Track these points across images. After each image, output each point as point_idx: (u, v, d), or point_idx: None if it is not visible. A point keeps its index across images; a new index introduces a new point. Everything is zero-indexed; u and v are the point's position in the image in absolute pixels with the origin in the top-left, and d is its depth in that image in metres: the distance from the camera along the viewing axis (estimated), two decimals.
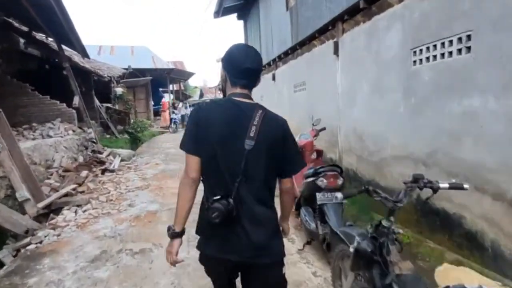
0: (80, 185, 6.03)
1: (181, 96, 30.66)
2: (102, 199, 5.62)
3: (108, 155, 8.91)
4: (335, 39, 5.88)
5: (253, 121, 1.50)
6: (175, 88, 29.80)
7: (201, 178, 1.59)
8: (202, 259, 1.72)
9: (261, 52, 11.42)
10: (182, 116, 21.50)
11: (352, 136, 5.39)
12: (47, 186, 5.65)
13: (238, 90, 1.59)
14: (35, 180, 5.15)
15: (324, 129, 5.13)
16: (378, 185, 4.63)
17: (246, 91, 1.61)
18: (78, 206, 5.25)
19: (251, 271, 1.62)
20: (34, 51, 10.58)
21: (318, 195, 3.28)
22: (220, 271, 1.68)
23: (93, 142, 9.51)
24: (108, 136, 13.22)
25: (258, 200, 1.53)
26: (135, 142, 13.82)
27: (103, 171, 7.60)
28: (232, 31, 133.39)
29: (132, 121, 14.61)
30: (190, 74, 27.60)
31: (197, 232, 1.68)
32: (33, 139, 7.21)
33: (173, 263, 1.66)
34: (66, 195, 5.39)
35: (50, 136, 7.46)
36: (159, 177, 7.42)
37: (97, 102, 13.48)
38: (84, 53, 9.31)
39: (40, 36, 10.48)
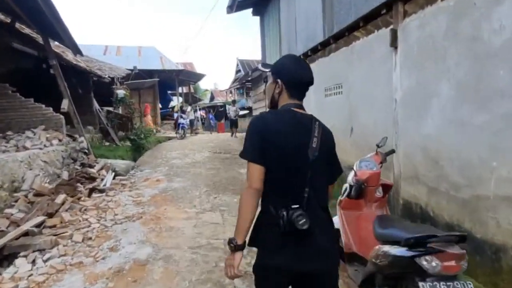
0: (52, 215, 4.62)
1: (191, 99, 29.34)
2: (77, 237, 4.18)
3: (101, 169, 7.52)
4: (391, 27, 4.37)
5: (314, 133, 1.59)
6: (184, 91, 28.51)
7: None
8: (263, 271, 1.60)
9: (281, 52, 9.99)
10: (191, 121, 20.12)
11: (420, 158, 3.86)
12: (4, 218, 4.25)
13: (295, 101, 1.67)
14: None
15: (393, 152, 3.61)
16: (471, 234, 3.10)
17: (301, 102, 1.70)
18: (40, 251, 3.82)
19: (312, 281, 1.57)
20: (28, 48, 9.30)
21: (422, 285, 1.79)
22: (281, 282, 1.59)
23: (85, 153, 8.14)
24: (107, 143, 11.88)
25: (322, 208, 1.60)
26: (138, 150, 12.43)
27: (91, 191, 6.20)
28: (245, 31, 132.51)
29: (137, 125, 13.25)
30: (200, 76, 26.28)
31: (253, 244, 1.62)
32: (3, 151, 5.85)
33: (234, 277, 1.57)
34: (26, 233, 3.97)
35: (26, 148, 6.10)
36: (157, 201, 5.97)
37: (96, 105, 12.17)
38: (75, 49, 7.97)
39: (30, 31, 9.20)
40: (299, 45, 7.99)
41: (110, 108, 12.92)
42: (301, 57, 7.96)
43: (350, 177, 2.96)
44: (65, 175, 6.56)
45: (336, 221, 3.07)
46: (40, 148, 6.24)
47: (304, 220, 1.42)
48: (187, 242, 4.19)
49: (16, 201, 4.74)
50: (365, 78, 5.09)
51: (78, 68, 10.11)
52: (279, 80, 1.65)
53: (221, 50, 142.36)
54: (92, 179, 6.97)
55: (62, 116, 7.76)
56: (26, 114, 7.58)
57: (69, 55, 9.67)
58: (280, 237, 1.49)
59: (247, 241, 1.58)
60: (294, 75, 1.64)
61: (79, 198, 5.58)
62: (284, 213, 1.46)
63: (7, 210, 4.45)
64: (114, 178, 7.41)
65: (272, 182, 1.54)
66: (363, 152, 5.12)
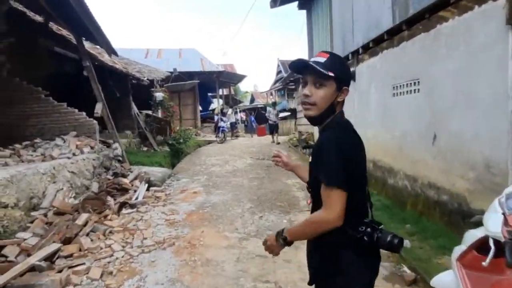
0: (70, 241, 3.90)
1: (231, 101, 28.80)
2: (94, 272, 3.40)
3: (135, 178, 6.85)
4: None
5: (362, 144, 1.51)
6: (224, 93, 28.02)
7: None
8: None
9: (332, 46, 8.87)
10: (232, 124, 19.40)
11: None
12: (14, 245, 3.57)
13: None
14: None
15: None
16: None
17: None
18: None
19: None
20: (69, 52, 8.95)
21: None
22: None
23: (119, 160, 7.54)
24: (145, 148, 11.37)
25: None
26: (176, 155, 11.83)
27: (121, 206, 5.50)
28: (286, 31, 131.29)
29: (177, 128, 12.67)
30: (241, 77, 25.59)
31: (332, 277, 1.45)
32: (29, 161, 5.29)
33: (277, 254, 1.60)
34: (33, 268, 3.23)
35: (53, 157, 5.52)
36: (193, 220, 5.12)
37: (135, 109, 11.73)
38: (109, 50, 7.40)
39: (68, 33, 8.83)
40: (357, 36, 6.83)
41: (149, 112, 12.45)
42: (360, 50, 6.82)
43: (494, 225, 1.84)
44: (94, 186, 5.93)
45: (445, 279, 2.01)
46: (68, 157, 5.63)
47: (398, 239, 1.39)
48: (228, 285, 3.26)
49: (32, 222, 4.07)
50: (458, 70, 3.89)
51: (115, 71, 9.65)
52: (347, 88, 1.48)
53: (261, 51, 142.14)
54: (124, 190, 6.30)
55: (95, 121, 7.21)
56: (58, 120, 7.11)
57: (105, 57, 9.21)
58: (364, 254, 1.42)
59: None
60: (350, 81, 1.57)
61: (105, 216, 4.85)
62: (368, 229, 1.39)
63: (20, 234, 3.78)
64: (148, 190, 6.71)
65: (354, 202, 1.38)
66: (454, 168, 3.92)
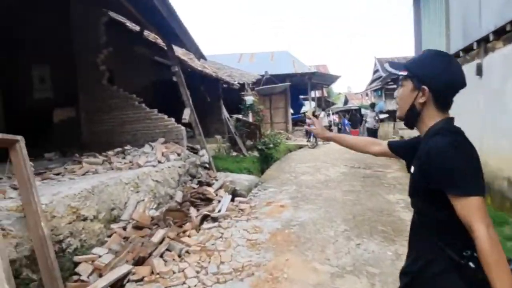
0: (143, 261, 3.58)
1: (324, 103, 27.61)
2: None
3: (220, 187, 6.52)
4: None
5: None
6: (317, 95, 27.00)
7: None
8: None
9: (448, 35, 7.35)
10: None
11: None
12: (88, 263, 3.37)
13: (448, 115, 1.37)
14: (50, 263, 2.86)
15: None
16: None
17: None
18: None
19: None
20: (167, 60, 9.27)
21: None
22: None
23: (205, 167, 7.33)
24: (234, 153, 11.20)
25: None
26: (266, 160, 11.42)
27: (203, 219, 5.15)
28: (383, 30, 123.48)
29: (267, 132, 12.28)
30: (334, 78, 24.28)
31: None
32: (118, 169, 5.28)
33: None
34: None
35: (139, 165, 5.44)
36: (278, 242, 4.45)
37: (225, 113, 11.68)
38: (198, 54, 7.25)
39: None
40: (486, 18, 5.37)
41: (239, 116, 12.30)
42: (491, 36, 5.35)
43: None
44: (178, 196, 5.72)
45: None
46: (153, 165, 5.51)
47: None
48: None
49: (110, 236, 3.90)
50: None
51: (206, 75, 9.62)
52: (425, 88, 1.33)
53: (356, 50, 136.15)
54: (208, 200, 5.98)
55: (182, 127, 7.11)
56: (150, 126, 7.20)
57: (196, 62, 9.23)
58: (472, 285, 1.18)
59: None
60: (450, 80, 1.32)
61: (184, 232, 4.51)
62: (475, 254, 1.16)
63: (96, 250, 3.60)
64: (233, 200, 6.30)
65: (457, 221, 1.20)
66: None
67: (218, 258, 3.92)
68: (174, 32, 6.34)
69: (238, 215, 5.58)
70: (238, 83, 12.16)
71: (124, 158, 5.82)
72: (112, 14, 7.51)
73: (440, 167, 1.21)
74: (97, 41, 7.18)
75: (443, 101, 1.34)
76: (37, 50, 7.78)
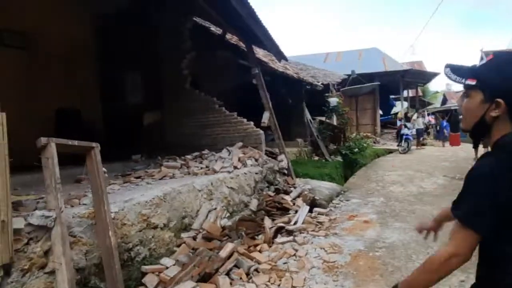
0: (209, 277, 3.37)
1: (418, 103, 25.14)
2: None
3: (298, 196, 6.12)
4: None
5: None
6: (410, 94, 24.71)
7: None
8: None
9: None
10: (418, 131, 16.51)
11: None
12: (154, 274, 3.28)
13: None
14: (114, 274, 2.80)
15: None
16: None
17: None
18: None
19: None
20: (243, 61, 9.24)
21: None
22: None
23: (284, 173, 6.99)
24: (316, 158, 10.66)
25: None
26: (350, 166, 10.66)
27: (277, 232, 4.80)
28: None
29: (352, 135, 11.46)
30: (430, 76, 21.86)
31: None
32: (194, 174, 5.25)
33: None
34: None
35: (215, 171, 5.33)
36: (359, 269, 3.87)
37: (307, 115, 11.20)
38: (279, 55, 6.96)
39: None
40: None
41: (322, 118, 11.69)
42: None
43: None
44: (253, 204, 5.47)
45: None
46: (229, 171, 5.36)
47: None
48: None
49: (179, 246, 3.79)
50: None
51: (286, 77, 9.29)
52: (501, 101, 1.14)
53: (458, 43, 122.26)
54: (285, 210, 5.64)
55: (261, 132, 6.87)
56: (229, 130, 7.13)
57: (277, 64, 8.95)
58: None
59: None
60: None
61: (255, 246, 4.21)
62: None
63: (164, 261, 3.50)
64: (311, 211, 5.84)
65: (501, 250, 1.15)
66: None
67: (289, 281, 3.52)
68: (254, 33, 6.15)
69: (316, 229, 5.10)
70: (322, 84, 11.56)
71: (201, 162, 5.79)
72: (196, 19, 7.64)
73: (463, 187, 1.20)
74: (181, 47, 7.37)
75: None
76: (130, 57, 8.34)
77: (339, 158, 10.90)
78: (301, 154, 9.74)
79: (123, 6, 7.63)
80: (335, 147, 11.44)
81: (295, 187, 6.52)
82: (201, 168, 5.52)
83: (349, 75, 15.30)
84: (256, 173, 6.06)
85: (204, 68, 8.12)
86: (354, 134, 12.43)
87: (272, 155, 7.27)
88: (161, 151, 7.55)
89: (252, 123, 6.97)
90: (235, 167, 5.65)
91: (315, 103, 11.50)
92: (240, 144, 6.63)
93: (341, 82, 13.51)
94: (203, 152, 6.14)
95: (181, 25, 7.36)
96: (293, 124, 11.08)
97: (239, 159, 5.86)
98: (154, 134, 8.05)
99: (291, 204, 5.82)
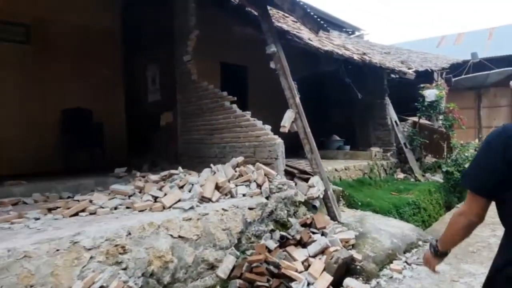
0: None
1: None
2: None
3: (322, 252, 3.60)
4: None
5: None
6: None
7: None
8: None
9: None
10: None
11: None
12: None
13: None
14: None
15: None
16: None
17: None
18: None
19: None
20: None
21: None
22: None
23: (314, 206, 4.47)
24: (401, 175, 7.55)
25: None
26: (454, 191, 7.27)
27: None
28: None
29: (458, 146, 7.91)
30: None
31: None
32: (134, 209, 3.29)
33: (433, 269, 1.64)
34: None
35: (164, 207, 3.26)
36: None
37: (392, 115, 8.11)
38: (314, 24, 4.44)
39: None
40: None
41: (414, 118, 8.37)
42: None
43: None
44: (225, 265, 3.22)
45: None
46: (185, 209, 3.22)
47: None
48: None
49: None
50: None
51: (350, 61, 6.51)
52: None
53: None
54: (287, 279, 3.22)
55: (278, 141, 4.46)
56: (239, 136, 4.94)
57: (335, 42, 6.26)
58: None
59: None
60: None
61: None
62: (504, 264, 1.25)
63: None
64: (339, 285, 3.27)
65: (507, 218, 1.26)
66: None
67: None
68: None
69: None
70: (416, 70, 8.25)
71: (161, 188, 3.76)
72: None
73: None
74: (187, 25, 5.53)
75: None
76: (149, 48, 6.91)
77: (439, 177, 7.55)
78: (372, 171, 6.84)
79: None
80: (434, 160, 8.04)
81: (324, 232, 3.96)
82: (151, 198, 3.51)
83: (467, 61, 11.15)
84: (252, 208, 3.76)
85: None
86: (468, 142, 8.64)
87: (303, 177, 4.80)
88: (167, 161, 5.90)
89: (267, 127, 4.63)
90: (204, 200, 3.48)
91: (405, 97, 8.26)
92: (239, 159, 4.37)
93: (448, 68, 9.75)
94: (173, 172, 4.09)
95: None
96: (367, 128, 8.16)
97: (217, 187, 3.65)
98: (165, 139, 6.43)
99: (300, 269, 3.35)
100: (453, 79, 10.44)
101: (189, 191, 3.58)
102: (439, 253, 1.52)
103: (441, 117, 8.04)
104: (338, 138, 8.21)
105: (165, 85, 6.60)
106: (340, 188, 5.40)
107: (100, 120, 6.78)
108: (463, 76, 10.67)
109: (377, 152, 7.35)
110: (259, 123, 4.70)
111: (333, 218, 4.62)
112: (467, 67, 11.10)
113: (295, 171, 4.81)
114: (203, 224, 3.32)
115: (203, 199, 3.53)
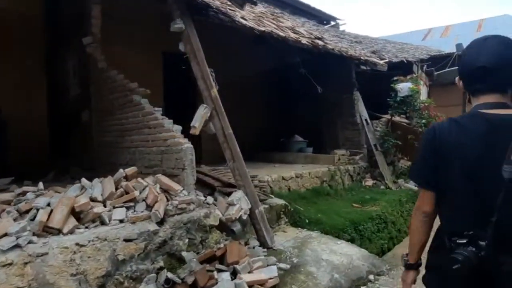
0: None
1: None
2: None
3: None
4: None
5: None
6: None
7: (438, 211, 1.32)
8: None
9: None
10: None
11: None
12: None
13: (483, 100, 1.23)
14: None
15: None
16: None
17: (497, 98, 1.21)
18: None
19: None
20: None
21: None
22: None
23: (232, 231, 3.44)
24: (370, 182, 6.55)
25: None
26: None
27: None
28: None
29: None
30: None
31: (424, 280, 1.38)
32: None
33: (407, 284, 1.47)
34: None
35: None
36: None
37: (362, 113, 7.10)
38: None
39: None
40: None
41: (386, 116, 7.37)
42: None
43: None
44: None
45: None
46: (1, 250, 2.19)
47: (459, 265, 1.09)
48: None
49: None
50: None
51: (301, 46, 5.46)
52: (460, 81, 1.32)
53: None
54: None
55: (186, 146, 3.40)
56: (148, 139, 3.89)
57: (285, 23, 5.22)
58: (445, 279, 1.23)
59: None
60: (464, 62, 1.29)
61: None
62: (450, 247, 1.17)
63: None
64: None
65: (445, 205, 1.27)
66: None
67: None
68: None
69: None
70: (390, 61, 7.26)
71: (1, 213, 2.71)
72: None
73: None
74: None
75: (470, 87, 1.29)
76: (69, 36, 5.82)
77: (414, 184, 6.55)
78: (333, 178, 5.82)
79: None
80: (409, 164, 7.06)
81: (236, 270, 2.93)
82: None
83: (450, 54, 10.11)
84: (130, 240, 2.72)
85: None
86: None
87: (226, 191, 3.77)
88: (83, 167, 4.89)
89: (177, 128, 3.58)
90: (50, 231, 2.43)
91: (385, 93, 7.20)
92: (130, 170, 3.31)
93: (428, 59, 8.76)
94: (27, 189, 3.02)
95: None
96: (335, 127, 7.13)
97: (74, 211, 2.60)
98: (81, 140, 5.37)
99: None
100: (436, 73, 9.45)
101: (32, 220, 2.53)
102: (410, 264, 1.41)
103: (416, 114, 7.03)
104: (300, 139, 7.18)
105: (83, 77, 5.52)
106: (283, 202, 4.37)
107: (8, 118, 5.68)
108: (445, 70, 9.68)
109: (341, 156, 6.34)
110: (167, 122, 3.64)
111: (263, 244, 3.62)
112: (451, 59, 10.11)
113: (216, 183, 3.78)
114: (35, 270, 2.29)
115: (48, 231, 2.49)
